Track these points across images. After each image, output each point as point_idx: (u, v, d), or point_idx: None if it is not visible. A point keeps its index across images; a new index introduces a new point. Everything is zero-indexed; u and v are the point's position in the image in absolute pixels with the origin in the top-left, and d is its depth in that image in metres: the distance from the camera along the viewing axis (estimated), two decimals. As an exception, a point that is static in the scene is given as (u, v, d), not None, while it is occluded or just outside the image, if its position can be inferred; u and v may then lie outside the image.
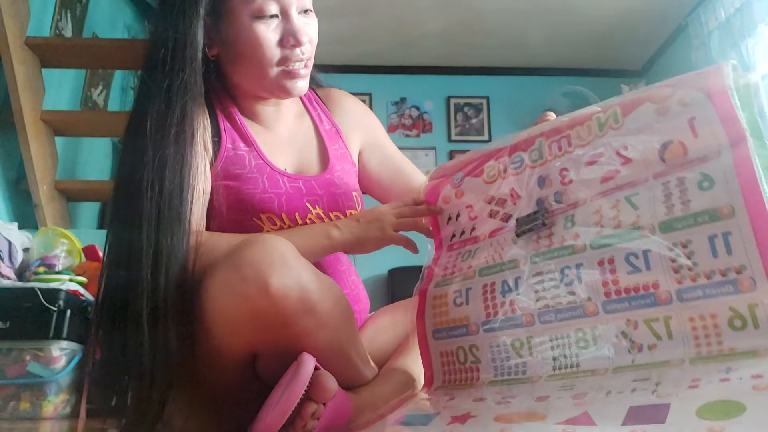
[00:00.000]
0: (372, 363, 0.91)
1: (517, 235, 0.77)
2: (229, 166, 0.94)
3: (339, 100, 1.13)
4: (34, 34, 2.24)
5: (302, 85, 0.97)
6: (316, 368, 0.74)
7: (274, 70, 0.94)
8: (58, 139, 2.39)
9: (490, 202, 0.84)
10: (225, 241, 0.83)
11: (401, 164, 1.16)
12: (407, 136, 3.98)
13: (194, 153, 0.86)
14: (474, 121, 4.06)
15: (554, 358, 0.69)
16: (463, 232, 0.87)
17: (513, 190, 0.81)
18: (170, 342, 0.76)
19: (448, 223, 0.90)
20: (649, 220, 0.64)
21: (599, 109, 0.75)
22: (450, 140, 4.00)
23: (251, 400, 0.78)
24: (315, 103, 1.10)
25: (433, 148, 3.96)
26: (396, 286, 3.59)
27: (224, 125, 0.97)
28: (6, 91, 2.12)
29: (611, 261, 0.66)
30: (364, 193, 1.13)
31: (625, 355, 0.63)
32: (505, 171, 0.82)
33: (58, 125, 2.33)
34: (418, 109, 4.06)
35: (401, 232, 0.93)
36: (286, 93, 0.97)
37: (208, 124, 0.94)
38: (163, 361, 0.76)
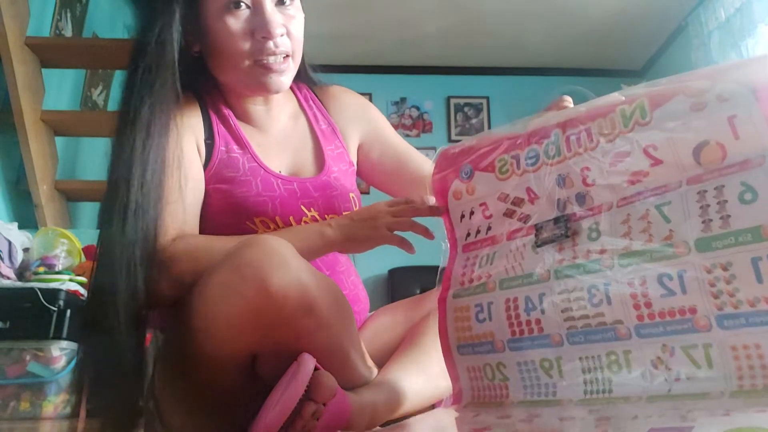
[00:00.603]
0: (372, 363, 0.91)
1: (538, 246, 0.71)
2: (222, 169, 0.92)
3: (336, 97, 1.11)
4: (34, 34, 2.23)
5: (279, 79, 0.93)
6: (315, 368, 0.74)
7: (246, 64, 0.91)
8: (58, 139, 2.39)
9: (505, 201, 0.77)
10: (220, 243, 0.83)
11: (406, 152, 1.13)
12: (407, 136, 3.98)
13: (169, 148, 0.85)
14: (474, 121, 4.06)
15: (585, 382, 0.64)
16: (478, 232, 0.81)
17: (529, 189, 0.74)
18: (123, 343, 0.78)
19: (461, 221, 0.83)
20: (684, 236, 0.58)
21: (623, 98, 0.67)
22: (450, 140, 4.00)
23: (250, 400, 0.78)
24: (311, 102, 1.08)
25: (434, 148, 3.94)
26: (396, 286, 3.59)
27: (217, 127, 0.95)
28: (6, 91, 2.12)
29: (643, 282, 0.60)
30: (372, 186, 1.12)
31: (662, 384, 0.57)
32: (518, 166, 0.75)
33: (58, 125, 2.33)
34: (418, 109, 4.07)
35: (397, 232, 0.89)
36: (262, 88, 0.93)
37: (199, 123, 0.93)
38: (119, 366, 0.79)
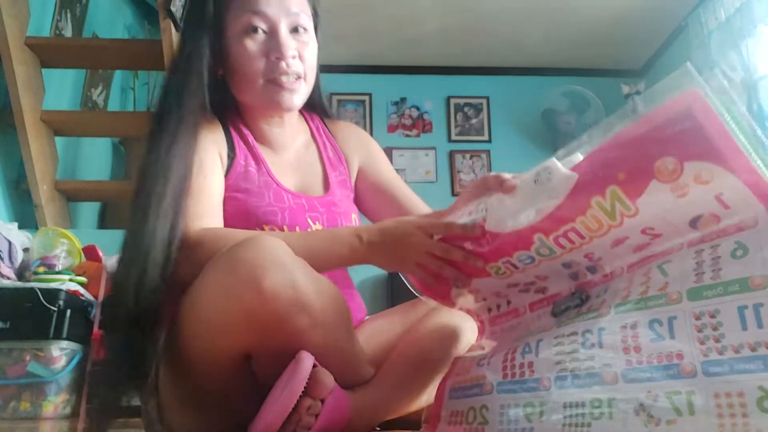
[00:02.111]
0: (370, 363, 0.91)
1: (554, 315, 0.75)
2: (239, 181, 1.00)
3: (343, 129, 1.19)
4: (34, 34, 2.24)
5: (290, 98, 1.00)
6: (314, 365, 0.74)
7: (261, 82, 0.99)
8: (58, 139, 2.39)
9: (516, 286, 0.80)
10: (242, 235, 0.84)
11: (396, 185, 1.15)
12: (407, 136, 3.98)
13: (200, 151, 0.93)
14: (474, 121, 4.06)
15: (564, 425, 0.63)
16: (499, 306, 0.85)
17: (537, 276, 0.77)
18: (148, 342, 0.81)
19: (476, 302, 0.86)
20: (678, 287, 0.61)
21: (556, 179, 0.68)
22: (450, 140, 4.00)
23: (248, 399, 0.78)
24: (322, 131, 1.16)
25: (433, 148, 3.96)
26: (396, 286, 3.59)
27: (238, 143, 1.03)
28: (6, 91, 2.12)
29: (634, 326, 0.62)
30: (360, 212, 1.16)
31: (641, 429, 0.58)
32: (516, 267, 0.76)
33: (58, 125, 2.34)
34: (418, 109, 4.06)
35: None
36: (275, 104, 1.01)
37: (222, 139, 1.01)
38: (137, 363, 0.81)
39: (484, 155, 3.97)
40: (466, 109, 4.08)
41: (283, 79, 0.99)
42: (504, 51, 3.93)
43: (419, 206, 1.11)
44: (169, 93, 0.97)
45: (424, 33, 3.71)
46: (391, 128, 3.97)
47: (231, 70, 1.01)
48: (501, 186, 0.74)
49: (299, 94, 1.02)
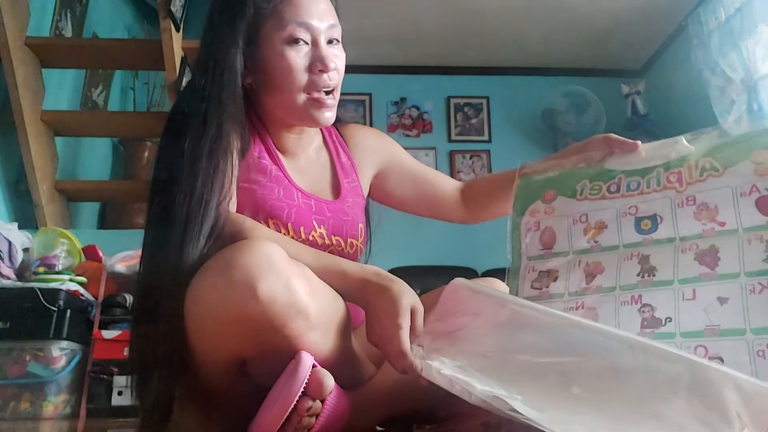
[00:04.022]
0: (370, 363, 0.91)
1: None
2: (251, 171, 0.98)
3: (354, 135, 1.17)
4: (34, 34, 2.24)
5: (329, 115, 0.99)
6: (313, 366, 0.74)
7: (302, 97, 0.97)
8: (58, 139, 2.39)
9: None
10: (263, 230, 0.87)
11: (423, 174, 1.19)
12: (407, 136, 3.98)
13: (227, 167, 0.90)
14: (474, 121, 4.05)
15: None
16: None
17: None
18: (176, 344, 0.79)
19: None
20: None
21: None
22: (450, 140, 4.00)
23: (245, 401, 0.78)
24: (334, 137, 1.15)
25: (433, 148, 3.96)
26: (396, 286, 3.57)
27: (254, 138, 1.01)
28: (6, 91, 2.12)
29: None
30: (392, 207, 1.19)
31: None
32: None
33: (58, 125, 2.34)
34: (418, 109, 4.06)
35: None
36: (313, 122, 0.99)
37: (238, 140, 0.98)
38: (171, 362, 0.80)
39: (484, 155, 3.97)
40: (466, 109, 4.08)
41: (324, 95, 0.97)
42: (504, 51, 3.92)
43: (449, 184, 1.19)
44: (197, 104, 0.92)
45: (424, 33, 3.71)
46: (391, 128, 3.97)
47: (268, 82, 0.98)
48: (623, 145, 0.93)
49: (334, 110, 1.01)
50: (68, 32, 2.67)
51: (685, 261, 0.80)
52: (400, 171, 1.18)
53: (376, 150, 1.17)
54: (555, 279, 0.91)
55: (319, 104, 0.97)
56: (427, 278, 2.17)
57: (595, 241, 0.90)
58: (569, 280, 0.89)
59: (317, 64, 0.96)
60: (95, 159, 3.00)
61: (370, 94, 4.01)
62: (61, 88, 2.64)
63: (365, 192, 1.15)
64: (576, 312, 0.85)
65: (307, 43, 0.96)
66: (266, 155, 1.01)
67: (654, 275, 0.82)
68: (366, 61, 3.90)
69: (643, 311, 0.80)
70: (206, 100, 0.91)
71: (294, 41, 0.95)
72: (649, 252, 0.84)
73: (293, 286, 0.73)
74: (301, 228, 0.96)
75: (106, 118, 2.74)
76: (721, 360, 0.70)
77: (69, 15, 2.67)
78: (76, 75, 2.80)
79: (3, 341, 1.64)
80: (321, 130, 1.13)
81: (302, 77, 0.96)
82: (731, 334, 0.71)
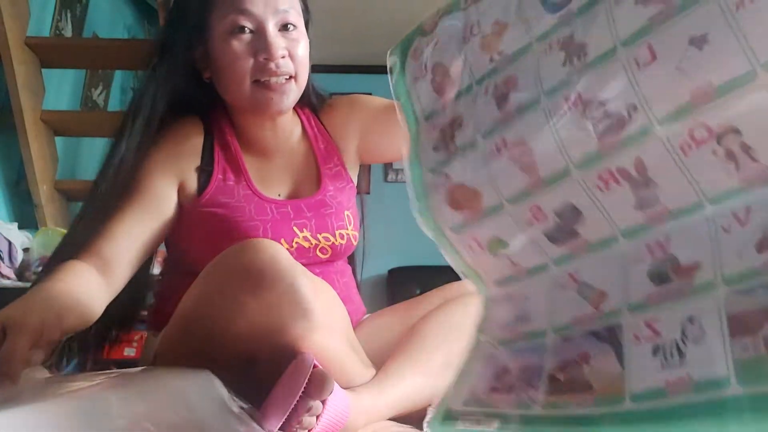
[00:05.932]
0: (370, 363, 0.91)
1: None
2: (218, 195, 0.97)
3: (328, 115, 1.13)
4: (34, 34, 2.23)
5: (280, 100, 0.96)
6: (314, 366, 0.74)
7: (248, 83, 0.95)
8: (58, 139, 2.39)
9: None
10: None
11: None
12: (407, 136, 3.98)
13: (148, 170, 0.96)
14: (474, 121, 4.06)
15: None
16: None
17: None
18: None
19: None
20: None
21: None
22: (450, 140, 4.00)
23: (249, 399, 0.78)
24: (313, 122, 1.11)
25: (433, 148, 3.96)
26: (396, 286, 3.58)
27: (218, 156, 1.00)
28: (6, 91, 2.12)
29: None
30: (395, 161, 1.15)
31: None
32: None
33: (58, 125, 2.33)
34: (418, 109, 4.06)
35: None
36: (264, 107, 0.97)
37: (194, 154, 0.99)
38: None
39: (484, 155, 3.97)
40: (466, 109, 4.08)
41: (272, 80, 0.94)
42: (504, 51, 3.93)
43: None
44: (144, 95, 0.96)
45: (424, 33, 3.71)
46: (391, 128, 3.97)
47: (217, 72, 0.97)
48: None
49: (289, 96, 0.97)
50: (68, 32, 2.67)
51: (623, 11, 0.44)
52: (379, 129, 1.10)
53: (349, 122, 1.12)
54: (460, 125, 0.58)
55: (266, 89, 0.95)
56: (427, 278, 2.17)
57: (499, 53, 0.54)
58: (476, 116, 0.55)
59: (261, 53, 0.93)
60: (95, 159, 2.99)
61: (369, 95, 4.01)
62: (61, 88, 2.64)
63: (355, 167, 1.12)
64: (500, 155, 0.52)
65: (252, 31, 0.94)
66: (230, 174, 0.99)
67: (586, 53, 0.46)
68: (366, 61, 3.90)
69: (592, 114, 0.45)
70: (147, 94, 0.97)
71: (237, 29, 0.93)
72: (570, 30, 0.48)
73: (298, 288, 0.73)
74: (282, 240, 0.94)
75: (106, 118, 2.73)
76: None
77: (69, 15, 2.67)
78: (76, 75, 2.80)
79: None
80: (300, 117, 1.09)
81: (246, 63, 0.94)
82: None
